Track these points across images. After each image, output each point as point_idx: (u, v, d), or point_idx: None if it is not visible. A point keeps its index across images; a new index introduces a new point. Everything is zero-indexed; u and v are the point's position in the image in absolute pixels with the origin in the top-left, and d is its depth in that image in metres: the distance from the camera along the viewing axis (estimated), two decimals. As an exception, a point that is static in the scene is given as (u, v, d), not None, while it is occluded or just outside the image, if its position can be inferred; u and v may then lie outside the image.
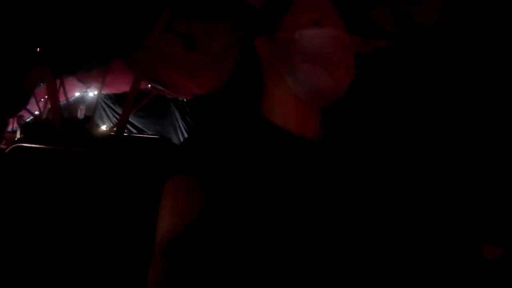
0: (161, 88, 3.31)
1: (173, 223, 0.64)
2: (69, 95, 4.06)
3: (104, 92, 3.72)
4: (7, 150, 1.39)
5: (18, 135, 3.72)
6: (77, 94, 4.79)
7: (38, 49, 2.07)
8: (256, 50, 0.87)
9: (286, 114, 0.83)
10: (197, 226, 0.63)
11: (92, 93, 4.60)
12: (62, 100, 3.85)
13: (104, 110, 5.87)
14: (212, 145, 0.74)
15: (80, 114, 4.65)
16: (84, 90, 4.52)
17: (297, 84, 0.82)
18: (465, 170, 1.73)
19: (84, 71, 2.75)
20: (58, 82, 2.66)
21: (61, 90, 3.38)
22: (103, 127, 6.01)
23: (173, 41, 2.39)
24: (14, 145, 1.42)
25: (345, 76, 0.80)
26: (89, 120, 4.17)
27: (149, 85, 3.48)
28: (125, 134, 3.57)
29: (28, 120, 4.90)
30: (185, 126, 3.94)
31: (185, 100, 3.69)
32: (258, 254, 0.66)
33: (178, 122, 4.05)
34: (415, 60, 1.63)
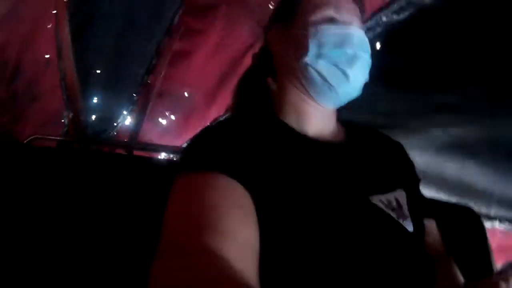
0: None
1: (181, 221, 0.59)
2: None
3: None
4: (25, 142, 1.40)
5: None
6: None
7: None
8: (268, 45, 0.87)
9: (300, 116, 0.82)
10: (204, 224, 0.57)
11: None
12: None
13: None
14: (224, 143, 0.70)
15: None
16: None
17: (309, 83, 0.80)
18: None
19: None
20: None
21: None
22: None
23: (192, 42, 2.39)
24: (32, 137, 1.44)
25: (359, 75, 0.79)
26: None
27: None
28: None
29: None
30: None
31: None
32: (267, 255, 0.60)
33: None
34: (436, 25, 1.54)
